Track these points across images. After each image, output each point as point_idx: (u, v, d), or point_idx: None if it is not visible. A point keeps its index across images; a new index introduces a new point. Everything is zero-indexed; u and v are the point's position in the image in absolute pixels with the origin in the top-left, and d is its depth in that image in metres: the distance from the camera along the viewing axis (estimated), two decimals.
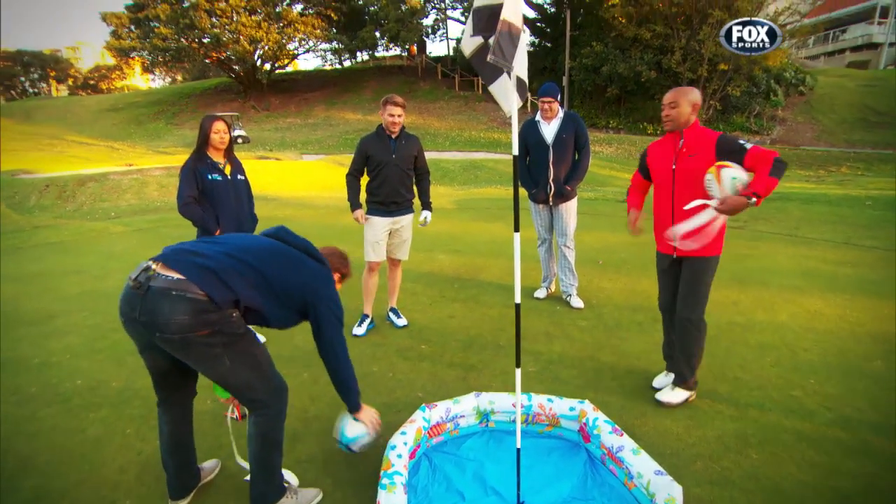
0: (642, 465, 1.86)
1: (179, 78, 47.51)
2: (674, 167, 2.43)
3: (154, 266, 1.49)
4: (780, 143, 20.55)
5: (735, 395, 2.66)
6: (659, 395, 2.59)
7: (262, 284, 1.61)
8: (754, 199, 2.11)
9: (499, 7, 1.32)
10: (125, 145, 22.40)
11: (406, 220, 3.52)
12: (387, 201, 3.36)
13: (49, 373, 3.06)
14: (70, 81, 53.90)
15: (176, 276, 1.46)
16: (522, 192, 4.35)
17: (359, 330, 3.53)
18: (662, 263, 2.62)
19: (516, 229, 1.53)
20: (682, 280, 2.49)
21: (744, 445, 2.24)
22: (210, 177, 2.95)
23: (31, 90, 52.06)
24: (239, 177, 3.12)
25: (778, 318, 3.70)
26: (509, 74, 1.43)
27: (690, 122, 2.39)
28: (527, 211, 4.07)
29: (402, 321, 3.69)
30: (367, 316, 3.60)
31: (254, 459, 1.76)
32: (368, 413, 1.97)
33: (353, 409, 1.93)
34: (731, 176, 2.15)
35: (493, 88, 1.54)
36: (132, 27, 26.34)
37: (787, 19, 21.02)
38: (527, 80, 1.46)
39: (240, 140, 22.11)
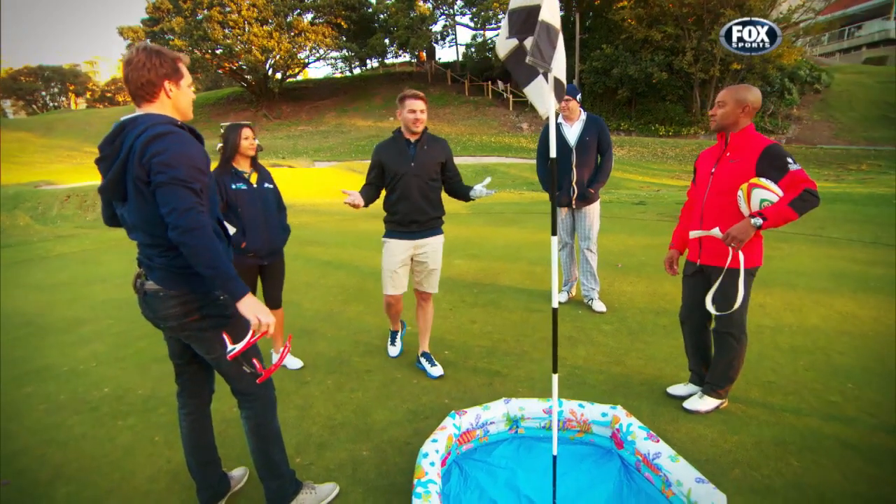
0: (682, 472, 1.81)
1: (193, 89, 48.33)
2: (713, 170, 2.34)
3: (142, 273, 1.68)
4: (797, 142, 20.22)
5: (769, 399, 2.59)
6: (687, 404, 2.52)
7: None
8: (760, 222, 2.06)
9: (535, 8, 1.30)
10: None
11: (432, 245, 2.91)
12: (405, 220, 2.81)
13: (77, 381, 3.09)
14: (88, 95, 55.23)
15: (151, 282, 1.63)
16: (546, 195, 4.33)
17: (393, 349, 3.23)
18: (687, 269, 2.56)
19: (553, 232, 1.49)
20: (717, 292, 2.40)
21: (783, 452, 2.17)
22: (234, 186, 2.81)
23: (51, 104, 53.41)
24: (266, 185, 2.94)
25: (808, 320, 3.60)
26: (545, 76, 1.41)
27: (740, 124, 2.25)
28: (545, 215, 4.04)
29: (436, 370, 2.99)
30: (397, 332, 3.30)
31: (255, 457, 1.84)
32: None
33: None
34: (762, 197, 2.08)
35: (529, 91, 1.51)
36: (148, 40, 26.88)
37: (801, 16, 20.77)
38: (565, 81, 1.44)
39: None
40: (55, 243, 7.86)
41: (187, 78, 1.65)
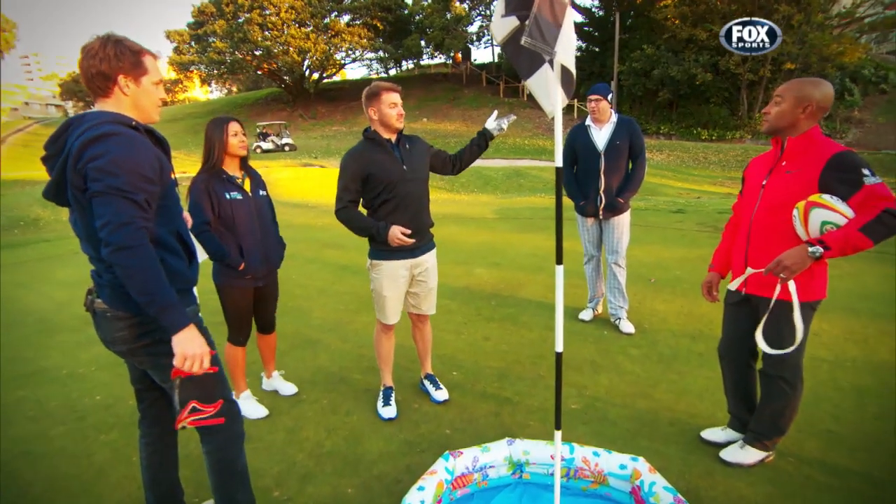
0: None
1: (235, 89, 50.05)
2: (764, 182, 1.93)
3: (93, 290, 1.50)
4: (858, 146, 18.72)
5: (830, 456, 2.16)
6: (725, 455, 2.14)
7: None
8: (819, 251, 1.66)
9: None
10: (181, 154, 23.60)
11: (432, 260, 2.56)
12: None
13: (72, 386, 3.01)
14: None
15: (100, 301, 1.46)
16: (568, 203, 3.98)
17: (389, 411, 2.58)
18: (730, 297, 2.17)
19: (559, 261, 1.20)
20: (765, 324, 1.99)
21: None
22: (228, 195, 2.35)
23: None
24: (261, 192, 2.52)
25: (876, 354, 3.11)
26: (551, 64, 1.11)
27: (800, 127, 1.83)
28: (572, 222, 3.69)
29: (441, 394, 2.72)
30: (391, 389, 2.70)
31: (216, 497, 1.67)
32: None
33: None
34: (823, 219, 1.68)
35: (532, 83, 1.20)
36: (192, 43, 27.96)
37: (865, 10, 19.26)
38: (574, 70, 1.13)
39: (287, 148, 22.86)
40: None
41: (153, 75, 1.44)
